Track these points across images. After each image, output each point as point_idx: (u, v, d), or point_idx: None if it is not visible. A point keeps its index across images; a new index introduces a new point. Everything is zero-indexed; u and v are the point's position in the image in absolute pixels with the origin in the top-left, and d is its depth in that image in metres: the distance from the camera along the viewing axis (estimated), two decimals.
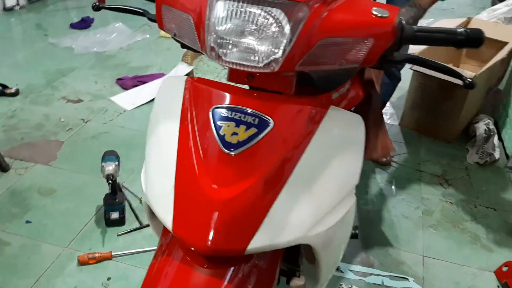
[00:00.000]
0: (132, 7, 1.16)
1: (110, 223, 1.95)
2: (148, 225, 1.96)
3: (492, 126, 2.62)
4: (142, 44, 3.77)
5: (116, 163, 1.92)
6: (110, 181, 1.89)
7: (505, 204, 2.26)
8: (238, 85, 0.94)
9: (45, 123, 2.65)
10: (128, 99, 2.89)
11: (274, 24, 0.82)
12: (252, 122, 0.86)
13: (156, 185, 0.92)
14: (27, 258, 1.80)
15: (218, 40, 0.85)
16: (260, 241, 0.83)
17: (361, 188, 2.28)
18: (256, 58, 0.84)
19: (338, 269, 1.81)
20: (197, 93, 0.92)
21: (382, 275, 1.81)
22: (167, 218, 0.87)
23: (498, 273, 1.85)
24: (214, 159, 0.86)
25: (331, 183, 0.91)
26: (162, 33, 3.72)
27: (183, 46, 1.04)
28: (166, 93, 0.99)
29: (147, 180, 0.96)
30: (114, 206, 1.96)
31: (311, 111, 0.90)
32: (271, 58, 0.83)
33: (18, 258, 1.80)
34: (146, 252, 1.84)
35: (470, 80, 0.86)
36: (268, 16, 0.82)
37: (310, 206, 0.87)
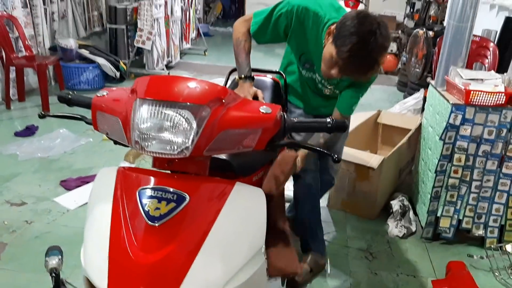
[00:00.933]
0: (72, 114, 1.37)
1: None
2: None
3: (406, 203, 2.94)
4: (86, 147, 3.94)
5: (60, 256, 2.01)
6: (54, 275, 1.98)
7: (423, 270, 2.51)
8: (162, 170, 1.17)
9: None
10: (71, 198, 3.02)
11: (184, 122, 1.07)
12: (172, 198, 1.07)
13: (93, 258, 1.09)
14: None
15: (141, 135, 1.08)
16: None
17: None
18: (172, 147, 1.07)
19: None
20: (126, 179, 1.13)
21: None
22: (102, 284, 1.03)
23: None
24: (141, 231, 1.05)
25: (239, 246, 1.11)
26: (105, 136, 3.91)
27: (116, 142, 1.26)
28: (101, 181, 1.20)
29: (85, 256, 1.12)
30: None
31: (219, 187, 1.13)
32: (183, 147, 1.07)
33: None
34: None
35: (336, 156, 1.13)
36: (179, 116, 1.07)
37: (223, 266, 1.06)
